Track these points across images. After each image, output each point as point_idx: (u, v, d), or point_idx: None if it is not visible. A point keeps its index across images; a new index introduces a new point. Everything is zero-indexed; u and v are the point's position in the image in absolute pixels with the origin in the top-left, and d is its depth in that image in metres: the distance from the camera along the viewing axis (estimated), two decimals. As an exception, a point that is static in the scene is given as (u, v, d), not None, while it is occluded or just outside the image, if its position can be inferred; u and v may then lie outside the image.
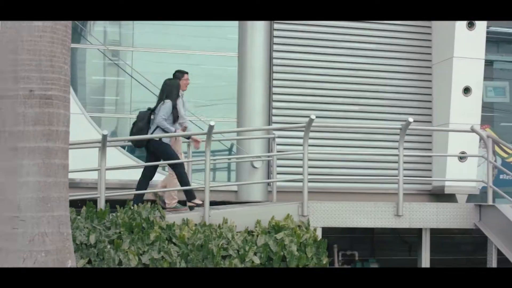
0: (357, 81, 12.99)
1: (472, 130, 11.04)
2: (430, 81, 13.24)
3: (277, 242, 8.97)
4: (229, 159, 12.66)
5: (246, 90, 12.43)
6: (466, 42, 12.57)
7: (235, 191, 12.24)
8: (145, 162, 10.27)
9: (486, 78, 13.02)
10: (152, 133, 9.86)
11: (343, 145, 12.76)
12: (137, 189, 9.94)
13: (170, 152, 9.94)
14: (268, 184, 12.03)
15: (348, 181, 12.61)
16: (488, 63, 13.47)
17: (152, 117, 10.07)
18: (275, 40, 12.70)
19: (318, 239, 9.37)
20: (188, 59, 12.58)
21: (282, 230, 9.23)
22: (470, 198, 12.54)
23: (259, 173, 12.25)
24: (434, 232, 10.64)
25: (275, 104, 12.63)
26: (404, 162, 10.46)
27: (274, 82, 12.63)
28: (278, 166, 11.69)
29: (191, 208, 10.01)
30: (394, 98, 13.11)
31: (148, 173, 10.05)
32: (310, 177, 10.11)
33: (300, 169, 10.10)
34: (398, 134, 10.39)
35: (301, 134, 10.09)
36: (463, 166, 12.39)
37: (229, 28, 12.75)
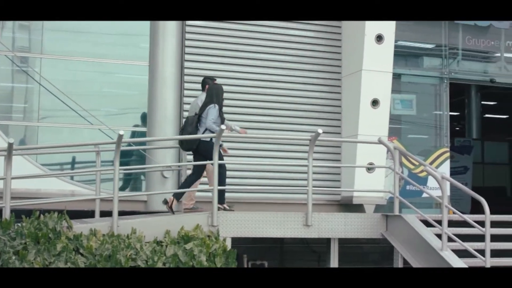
0: (268, 92, 13.06)
1: (380, 142, 11.23)
2: (340, 93, 13.43)
3: (186, 252, 8.94)
4: (139, 168, 12.52)
5: (157, 99, 12.34)
6: (374, 56, 12.81)
7: (145, 201, 12.13)
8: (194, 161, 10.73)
9: (394, 91, 13.29)
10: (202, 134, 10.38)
11: (254, 155, 12.80)
12: (182, 186, 10.68)
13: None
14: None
15: (259, 191, 12.65)
16: (396, 76, 13.75)
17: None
18: (187, 50, 12.66)
19: (228, 249, 9.37)
20: (101, 67, 12.43)
21: (192, 240, 9.20)
22: (378, 208, 12.74)
23: (169, 183, 12.17)
24: (343, 241, 10.78)
25: (186, 114, 12.55)
26: (314, 173, 10.57)
27: (186, 92, 12.57)
28: (188, 176, 11.64)
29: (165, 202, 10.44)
30: (304, 110, 13.23)
31: (197, 172, 10.63)
32: (220, 187, 10.11)
33: (210, 179, 10.09)
34: (308, 145, 10.49)
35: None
36: (371, 177, 12.60)
37: (141, 36, 12.65)
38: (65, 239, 8.57)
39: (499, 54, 15.66)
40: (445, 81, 14.68)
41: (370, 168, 12.54)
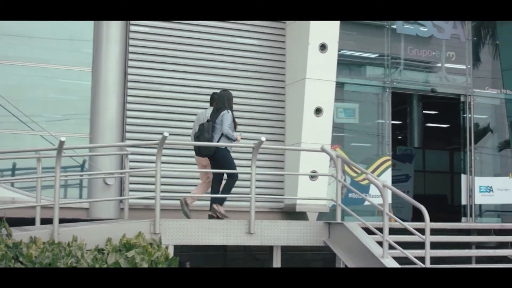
0: (212, 99, 13.06)
1: (323, 150, 11.29)
2: (283, 101, 13.50)
3: (128, 260, 8.85)
4: (81, 175, 12.39)
5: (99, 105, 12.24)
6: (318, 64, 12.91)
7: (87, 208, 12.00)
8: (211, 168, 11.04)
9: (337, 99, 13.40)
10: (218, 142, 10.75)
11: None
12: (213, 193, 11.00)
13: (231, 159, 10.95)
14: (121, 201, 11.88)
15: (202, 198, 12.61)
16: (339, 85, 13.86)
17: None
18: (130, 56, 12.60)
19: (170, 257, 9.31)
20: (44, 72, 12.29)
21: (133, 248, 9.11)
22: (321, 216, 12.82)
23: (112, 190, 12.06)
24: (285, 249, 10.81)
25: (129, 120, 12.50)
26: (257, 180, 10.58)
27: (129, 98, 12.50)
28: (130, 183, 11.60)
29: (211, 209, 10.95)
30: (248, 117, 13.26)
31: (218, 178, 11.02)
32: (163, 194, 10.06)
33: (153, 186, 10.03)
34: (251, 153, 10.50)
35: (155, 151, 10.02)
36: (314, 184, 12.67)
37: (84, 42, 12.55)
38: (4, 247, 8.41)
39: (440, 64, 15.91)
40: (388, 90, 14.85)
41: (313, 176, 12.61)
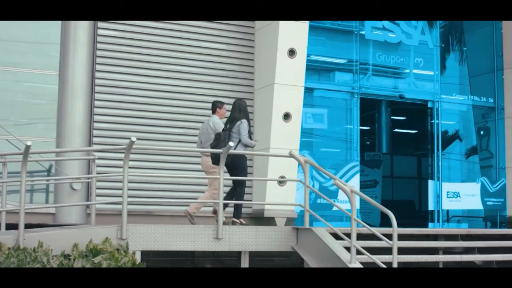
0: (180, 104, 13.02)
1: (291, 155, 11.28)
2: (252, 106, 13.47)
3: (95, 265, 8.77)
4: (47, 180, 12.26)
5: (66, 110, 12.14)
6: (287, 69, 12.91)
7: (53, 214, 11.88)
8: (230, 176, 11.23)
9: (306, 105, 13.41)
10: (235, 150, 10.74)
11: (166, 167, 12.71)
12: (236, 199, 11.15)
13: (246, 168, 11.26)
14: (87, 206, 11.77)
15: (170, 203, 12.57)
16: (308, 91, 13.88)
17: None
18: (98, 60, 12.50)
19: (137, 262, 9.24)
20: (12, 75, 12.21)
21: (100, 253, 9.02)
22: (289, 221, 12.82)
23: (78, 195, 11.96)
24: (253, 254, 10.77)
25: (96, 124, 12.40)
26: (225, 186, 10.53)
27: (96, 103, 12.41)
28: (97, 188, 11.48)
29: (233, 223, 11.03)
30: (217, 122, 13.22)
31: (240, 184, 11.17)
32: (130, 199, 9.98)
33: (120, 192, 9.95)
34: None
35: (123, 155, 9.94)
36: (282, 190, 12.66)
37: (52, 45, 12.43)
38: (-33, 253, 8.31)
39: (408, 70, 16.00)
40: (356, 96, 14.90)
41: (281, 181, 12.60)
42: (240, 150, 11.02)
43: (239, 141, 11.06)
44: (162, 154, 12.71)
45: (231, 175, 11.19)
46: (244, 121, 11.13)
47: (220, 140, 10.94)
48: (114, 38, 12.68)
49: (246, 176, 11.34)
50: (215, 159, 10.81)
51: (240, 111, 11.24)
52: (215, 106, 11.56)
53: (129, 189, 9.87)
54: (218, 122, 11.38)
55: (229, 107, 11.49)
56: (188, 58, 13.18)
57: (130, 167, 9.96)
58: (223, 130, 11.15)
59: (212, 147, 11.03)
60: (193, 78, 13.17)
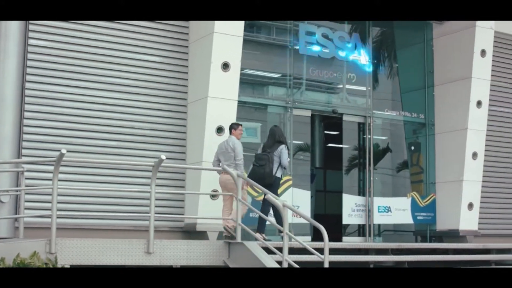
0: (112, 116, 12.84)
1: (224, 169, 11.27)
2: (185, 119, 13.40)
3: (21, 280, 8.57)
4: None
5: (-5, 121, 11.87)
6: (220, 83, 12.88)
7: (-20, 227, 11.59)
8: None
9: (239, 118, 13.39)
10: (275, 172, 12.28)
11: (97, 180, 12.51)
12: (277, 220, 11.88)
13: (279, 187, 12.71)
14: (16, 219, 11.50)
15: (101, 217, 12.38)
16: (242, 104, 13.87)
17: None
18: (28, 70, 12.23)
19: (66, 277, 9.07)
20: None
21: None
22: (221, 235, 12.75)
23: (6, 208, 11.65)
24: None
25: (26, 136, 12.14)
26: (157, 199, 10.46)
27: (26, 114, 12.16)
28: (26, 201, 11.24)
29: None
30: (149, 135, 13.11)
31: (266, 209, 12.20)
32: (60, 213, 9.83)
33: (50, 205, 9.76)
34: (151, 171, 10.37)
35: (52, 168, 9.76)
36: (215, 204, 12.60)
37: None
38: None
39: (341, 86, 16.16)
40: (289, 110, 14.97)
41: (213, 195, 12.55)
42: (279, 172, 12.37)
43: (279, 163, 12.31)
44: (93, 167, 12.51)
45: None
46: (286, 146, 12.49)
47: (268, 161, 12.16)
48: (45, 48, 12.45)
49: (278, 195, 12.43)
50: (259, 179, 11.82)
51: (280, 137, 12.62)
52: (231, 128, 12.42)
53: (58, 202, 9.73)
54: (238, 143, 12.23)
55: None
56: (121, 70, 13.01)
57: (60, 180, 9.83)
58: (262, 152, 12.45)
59: (257, 167, 12.24)
60: (126, 90, 13.00)
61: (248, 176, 12.12)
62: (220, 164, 12.02)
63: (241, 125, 12.61)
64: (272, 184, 12.10)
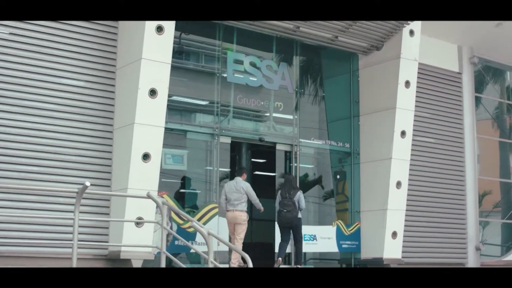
0: (35, 141, 12.55)
1: (148, 197, 11.17)
2: (111, 145, 13.24)
3: None
4: None
5: None
6: (147, 109, 12.78)
7: None
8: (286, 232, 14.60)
9: (166, 145, 13.32)
10: (297, 215, 14.40)
11: (19, 207, 12.20)
12: (279, 249, 14.46)
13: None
14: None
15: (22, 244, 12.10)
16: (169, 131, 13.80)
17: None
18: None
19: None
20: None
21: None
22: (146, 263, 12.62)
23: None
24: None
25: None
26: (80, 226, 10.28)
27: None
28: None
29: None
30: (73, 161, 12.88)
31: (287, 239, 14.49)
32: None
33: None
34: (75, 198, 10.20)
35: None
36: (140, 231, 12.47)
37: None
38: None
39: (268, 114, 16.24)
40: (216, 138, 14.96)
41: (138, 223, 12.41)
42: (300, 214, 14.39)
43: (298, 206, 14.32)
44: (15, 193, 12.21)
45: (294, 232, 14.49)
46: (301, 192, 14.63)
47: (293, 206, 14.25)
48: (-33, 71, 12.18)
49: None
50: (287, 222, 14.36)
51: (296, 183, 15.09)
52: (241, 171, 14.31)
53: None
54: (249, 186, 13.97)
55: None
56: (46, 94, 12.74)
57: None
58: (282, 197, 14.39)
59: (285, 212, 14.27)
60: (50, 115, 12.74)
61: (278, 220, 14.49)
62: (225, 203, 13.85)
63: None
64: (298, 224, 14.37)
